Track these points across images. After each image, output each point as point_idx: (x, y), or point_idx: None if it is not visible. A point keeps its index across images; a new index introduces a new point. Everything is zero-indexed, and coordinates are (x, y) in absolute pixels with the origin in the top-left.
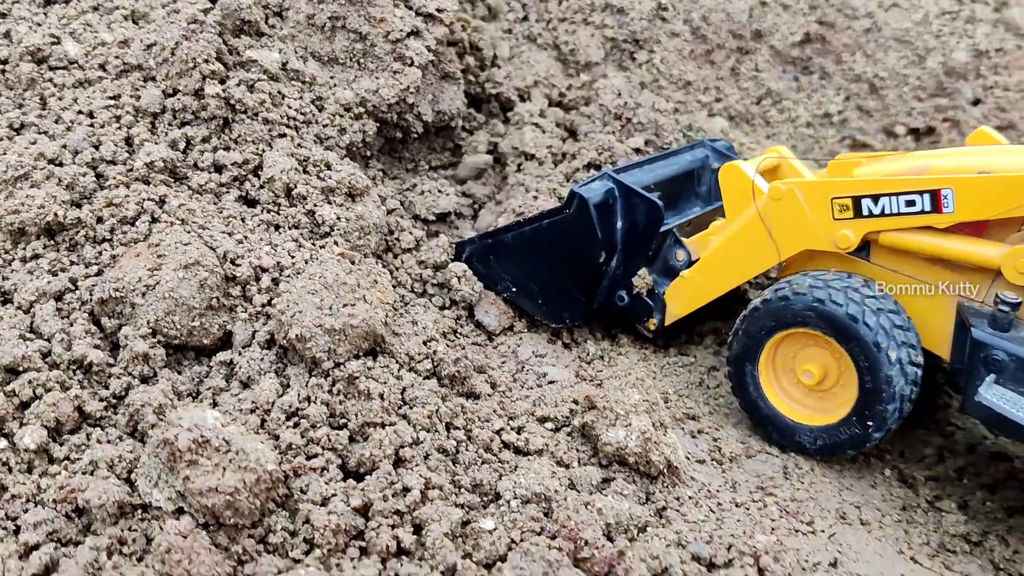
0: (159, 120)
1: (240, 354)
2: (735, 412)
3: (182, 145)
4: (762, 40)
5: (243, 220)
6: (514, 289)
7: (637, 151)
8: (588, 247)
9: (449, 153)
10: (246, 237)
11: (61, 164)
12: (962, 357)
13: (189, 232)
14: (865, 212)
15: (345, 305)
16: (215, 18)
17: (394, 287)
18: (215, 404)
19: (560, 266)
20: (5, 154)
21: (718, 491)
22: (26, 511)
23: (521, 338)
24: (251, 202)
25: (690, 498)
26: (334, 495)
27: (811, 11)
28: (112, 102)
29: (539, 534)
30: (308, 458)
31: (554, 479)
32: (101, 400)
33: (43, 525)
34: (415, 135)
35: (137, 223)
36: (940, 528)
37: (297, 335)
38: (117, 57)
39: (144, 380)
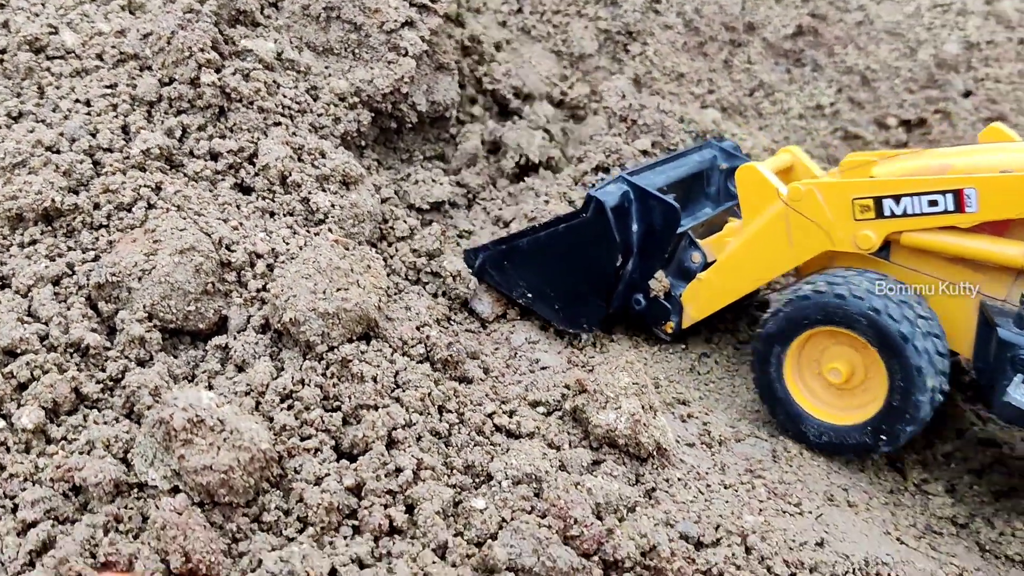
0: (155, 108)
1: (235, 338)
2: (726, 397)
3: (178, 133)
4: (755, 32)
5: (238, 207)
6: (530, 295)
7: (644, 153)
8: (606, 251)
9: (443, 144)
10: (241, 224)
11: (58, 151)
12: (986, 357)
13: (185, 218)
14: (887, 212)
15: (339, 289)
16: (211, 8)
17: (388, 274)
18: (210, 387)
19: (577, 271)
20: (3, 142)
21: (707, 473)
22: (24, 490)
23: (514, 325)
24: (246, 189)
25: (679, 479)
26: (327, 475)
27: (803, 4)
28: (109, 91)
29: (529, 513)
30: (302, 439)
31: (545, 460)
32: (98, 382)
33: (41, 503)
34: (409, 125)
35: (133, 209)
36: (927, 511)
37: (291, 319)
38: (114, 47)
39: (140, 363)
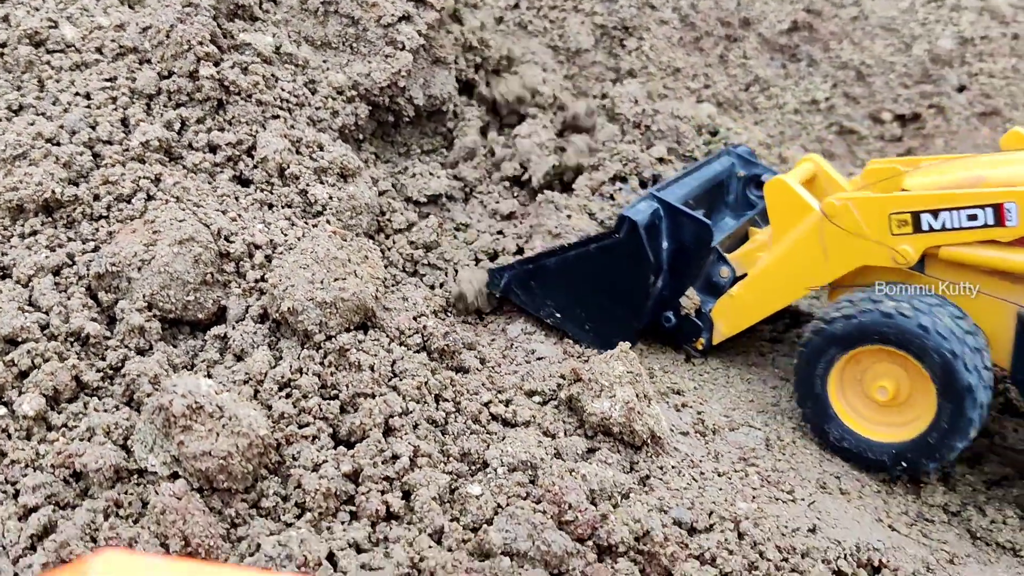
0: (154, 101)
1: (234, 328)
2: (720, 387)
3: (177, 126)
4: (750, 28)
5: (237, 199)
6: (558, 315)
7: (660, 161)
8: (639, 270)
9: (441, 138)
10: (240, 215)
11: (59, 144)
12: None
13: (184, 210)
14: (925, 227)
15: (336, 279)
16: (209, 2)
17: (386, 266)
18: (209, 376)
19: (609, 290)
20: (4, 134)
21: (701, 461)
22: (25, 475)
23: (511, 317)
24: (245, 181)
25: (673, 467)
26: (325, 461)
27: None
28: (108, 84)
29: (525, 499)
30: (300, 427)
31: (540, 448)
32: (98, 371)
33: (41, 488)
34: (407, 119)
35: (133, 200)
36: (919, 499)
37: (289, 308)
38: (113, 40)
39: (140, 352)
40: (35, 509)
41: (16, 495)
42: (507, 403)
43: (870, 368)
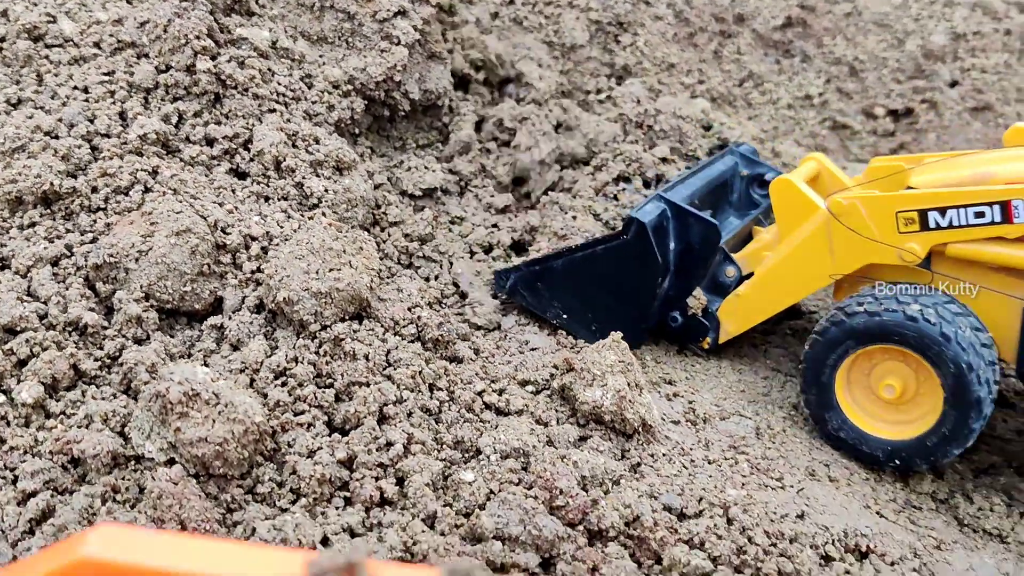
0: (152, 95)
1: (230, 318)
2: (711, 377)
3: (174, 119)
4: (744, 24)
5: (233, 191)
6: (565, 316)
7: (664, 160)
8: (648, 271)
9: (436, 132)
10: (236, 207)
11: (57, 137)
12: None
13: (181, 202)
14: (932, 225)
15: (331, 269)
16: None
17: (381, 258)
18: (206, 365)
19: (617, 292)
20: (3, 127)
21: (691, 449)
22: (24, 461)
23: (506, 309)
24: (241, 174)
25: (664, 455)
26: (320, 448)
27: None
28: (106, 78)
29: (517, 485)
30: (295, 415)
31: (533, 436)
32: (96, 360)
33: (40, 474)
34: (402, 113)
35: (131, 193)
36: (907, 487)
37: (285, 298)
38: (111, 35)
39: (138, 342)
40: (34, 494)
41: (15, 481)
42: (500, 392)
43: (880, 364)
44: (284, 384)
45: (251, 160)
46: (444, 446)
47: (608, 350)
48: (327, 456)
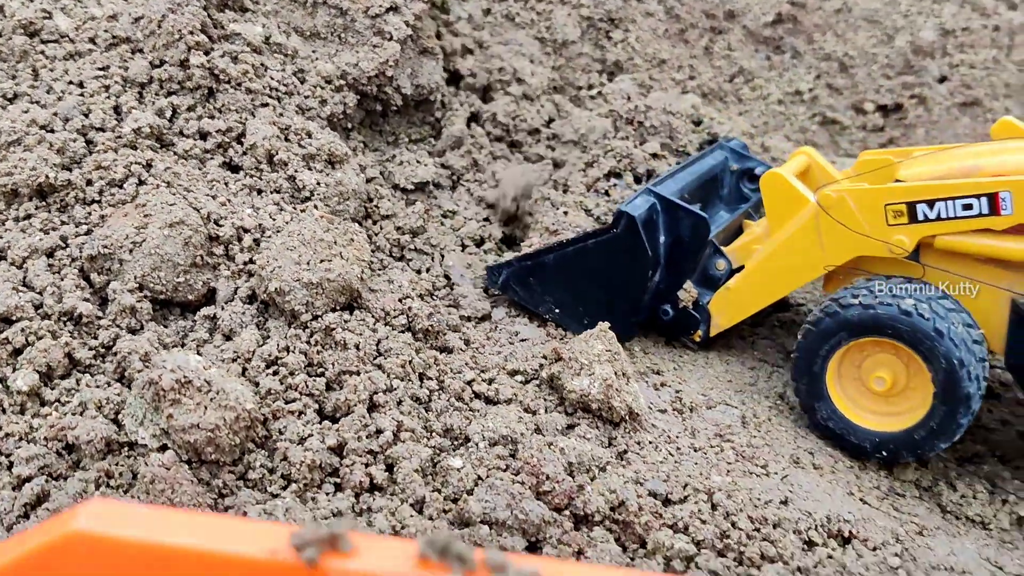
0: (146, 90)
1: (223, 308)
2: (699, 368)
3: (168, 113)
4: (735, 20)
5: (226, 184)
6: (557, 310)
7: (655, 156)
8: (639, 265)
9: (428, 127)
10: (229, 200)
11: (52, 130)
12: (1020, 353)
13: (175, 194)
14: (920, 217)
15: (322, 260)
16: None
17: (372, 251)
18: (199, 354)
19: (607, 285)
20: None
21: (677, 437)
22: (19, 448)
23: (495, 300)
24: (234, 168)
25: (650, 443)
26: (311, 435)
27: None
28: (101, 73)
29: (504, 471)
30: (286, 402)
31: (521, 424)
32: (90, 349)
33: (35, 460)
34: (395, 108)
35: (125, 185)
36: (891, 475)
37: (276, 289)
38: (106, 30)
39: (131, 332)
40: (28, 479)
41: (10, 466)
42: (490, 382)
43: (871, 356)
44: (276, 373)
45: (244, 154)
46: (433, 433)
47: (596, 340)
48: (318, 443)
